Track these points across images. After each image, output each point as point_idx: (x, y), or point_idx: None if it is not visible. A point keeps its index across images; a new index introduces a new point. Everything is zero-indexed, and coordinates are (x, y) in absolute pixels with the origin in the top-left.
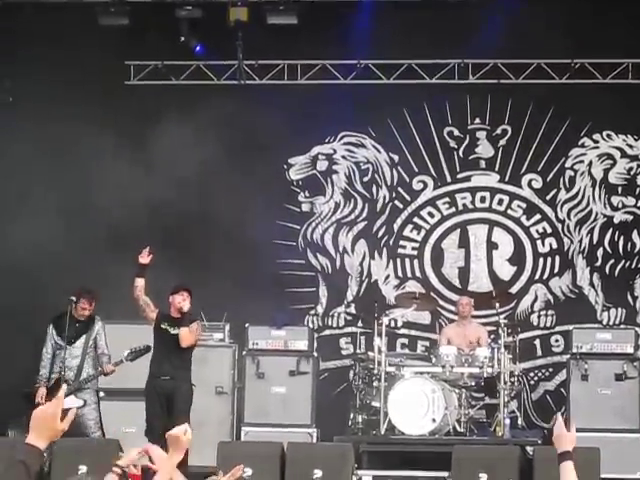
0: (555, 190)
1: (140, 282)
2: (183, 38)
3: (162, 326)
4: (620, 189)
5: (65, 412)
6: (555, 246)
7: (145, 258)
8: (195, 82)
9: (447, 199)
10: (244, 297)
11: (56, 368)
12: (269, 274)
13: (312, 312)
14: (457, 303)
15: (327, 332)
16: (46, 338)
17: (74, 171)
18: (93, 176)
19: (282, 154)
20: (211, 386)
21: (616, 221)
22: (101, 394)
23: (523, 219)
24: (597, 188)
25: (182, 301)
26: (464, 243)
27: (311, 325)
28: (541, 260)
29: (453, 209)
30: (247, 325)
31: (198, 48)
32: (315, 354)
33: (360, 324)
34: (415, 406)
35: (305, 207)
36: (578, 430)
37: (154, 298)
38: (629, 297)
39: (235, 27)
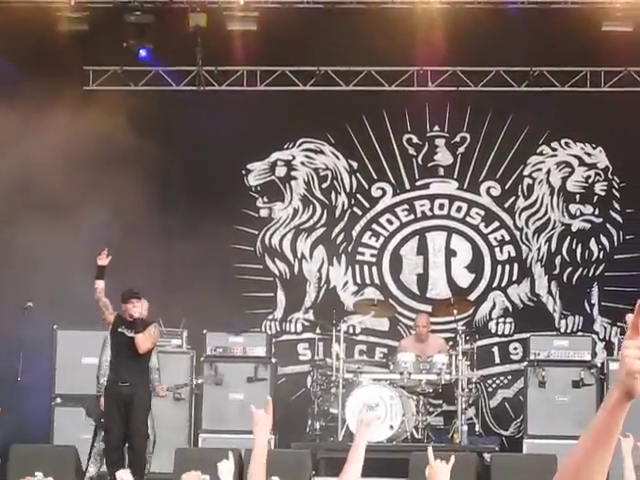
0: (513, 198)
1: (100, 284)
2: (125, 44)
3: (119, 329)
4: (578, 197)
5: None
6: (513, 254)
7: (103, 260)
8: (154, 88)
9: (406, 206)
10: (202, 303)
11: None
12: (227, 279)
13: (270, 317)
14: (415, 321)
15: (285, 338)
16: (106, 345)
17: None
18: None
19: (241, 160)
20: (169, 393)
21: (574, 229)
22: (58, 400)
23: (482, 226)
24: (555, 196)
25: (132, 308)
26: (422, 250)
27: (269, 331)
28: (499, 268)
29: (412, 216)
30: (205, 331)
31: (143, 53)
32: (273, 360)
33: (318, 330)
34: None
35: (263, 213)
36: (535, 437)
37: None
38: (586, 305)
39: (194, 33)
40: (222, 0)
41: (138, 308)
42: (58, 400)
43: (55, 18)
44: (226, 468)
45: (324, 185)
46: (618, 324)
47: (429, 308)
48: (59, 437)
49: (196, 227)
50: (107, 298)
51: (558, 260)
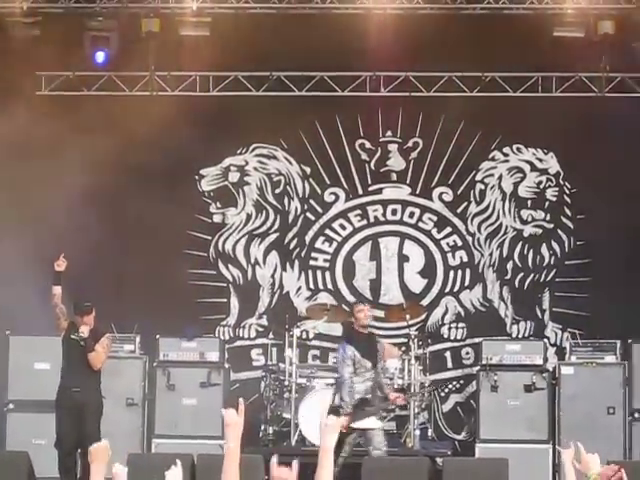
0: (466, 203)
1: (57, 290)
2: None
3: (72, 336)
4: (530, 202)
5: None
6: (466, 259)
7: (61, 266)
8: (107, 93)
9: (359, 211)
10: (155, 308)
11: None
12: (180, 285)
13: (223, 323)
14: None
15: (238, 343)
16: (345, 360)
17: None
18: (2, 186)
19: (193, 165)
20: (122, 398)
21: (526, 234)
22: (10, 406)
23: (434, 232)
24: (507, 201)
25: (83, 324)
26: (375, 255)
27: (222, 336)
28: (452, 273)
29: (365, 221)
30: (158, 336)
31: (101, 57)
32: (226, 365)
33: (271, 335)
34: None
35: (217, 218)
36: (487, 441)
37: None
38: (538, 310)
39: (147, 38)
40: (175, 6)
41: (87, 326)
42: (11, 406)
43: (7, 23)
44: (174, 476)
45: (277, 190)
46: (569, 329)
47: (382, 313)
48: (12, 443)
49: (149, 232)
50: (63, 304)
51: (510, 265)
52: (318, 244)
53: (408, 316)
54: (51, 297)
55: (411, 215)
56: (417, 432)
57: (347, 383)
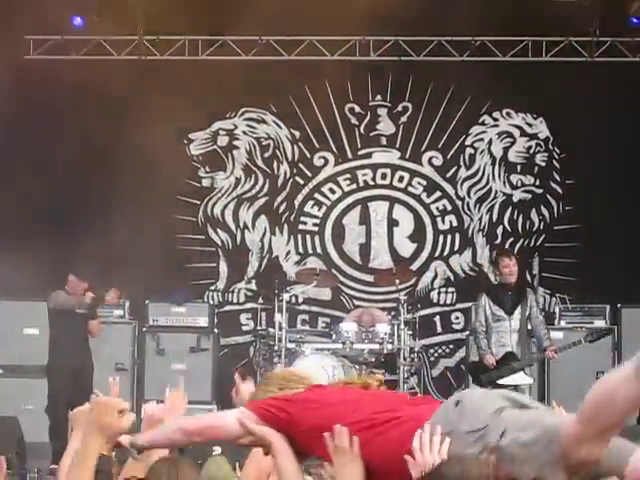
0: (455, 168)
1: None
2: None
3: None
4: (519, 167)
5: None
6: (455, 224)
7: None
8: (95, 57)
9: (348, 175)
10: (144, 273)
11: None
12: (169, 249)
13: (212, 288)
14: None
15: (227, 308)
16: (478, 309)
17: None
18: None
19: (182, 129)
20: (111, 363)
21: (515, 200)
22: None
23: (423, 196)
24: (497, 166)
25: (86, 290)
26: (365, 220)
27: (211, 301)
28: (441, 237)
29: (354, 185)
30: (147, 302)
31: (78, 21)
32: (216, 331)
33: (261, 300)
34: (315, 382)
35: (205, 182)
36: None
37: (51, 273)
38: (527, 275)
39: (136, 2)
40: None
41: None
42: (0, 371)
43: None
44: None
45: (266, 154)
46: (557, 295)
47: (371, 278)
48: (1, 408)
49: (138, 197)
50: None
51: (500, 230)
52: (307, 208)
53: (397, 281)
54: None
55: (401, 179)
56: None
57: (480, 332)
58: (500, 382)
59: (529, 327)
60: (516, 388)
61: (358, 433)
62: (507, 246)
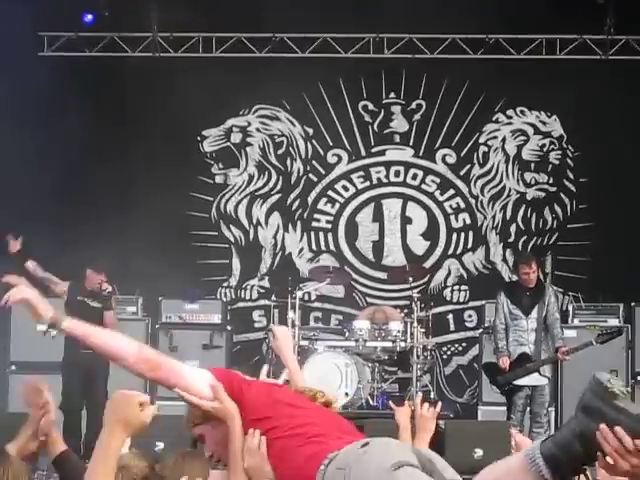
0: (469, 166)
1: (29, 265)
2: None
3: (78, 298)
4: (533, 166)
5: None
6: (468, 221)
7: (14, 247)
8: (109, 54)
9: (361, 173)
10: (157, 270)
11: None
12: (182, 246)
13: (225, 284)
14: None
15: (240, 305)
16: (497, 307)
17: None
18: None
19: (196, 126)
20: None
21: (529, 198)
22: (12, 367)
23: (437, 194)
24: (510, 164)
25: (103, 282)
26: (378, 217)
27: (224, 298)
28: (454, 235)
29: (367, 183)
30: (160, 298)
31: (89, 17)
32: (228, 328)
33: (274, 297)
34: (328, 380)
35: (219, 179)
36: (489, 404)
37: (64, 269)
38: (540, 273)
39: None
40: None
41: (106, 283)
42: (13, 367)
43: None
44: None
45: (279, 151)
46: (570, 293)
47: (384, 275)
48: (14, 405)
49: (151, 194)
50: (47, 272)
51: (513, 228)
52: (320, 205)
53: (411, 278)
54: (31, 275)
55: (414, 177)
56: (419, 395)
57: (499, 331)
58: (516, 383)
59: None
60: (534, 388)
61: (281, 439)
62: (520, 244)
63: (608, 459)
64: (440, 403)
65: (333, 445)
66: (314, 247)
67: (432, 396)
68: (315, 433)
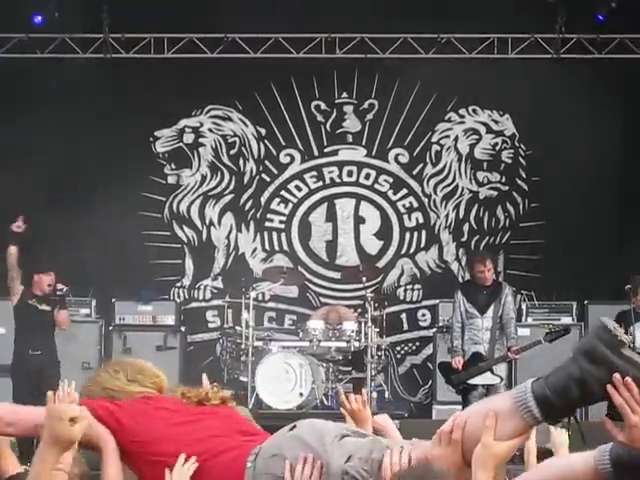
0: (422, 165)
1: (13, 250)
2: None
3: (30, 302)
4: (485, 164)
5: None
6: (421, 221)
7: (21, 227)
8: (61, 55)
9: (314, 173)
10: (110, 271)
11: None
12: (135, 246)
13: (178, 284)
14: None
15: (194, 305)
16: (454, 306)
17: None
18: None
19: (148, 127)
20: (77, 362)
21: (481, 197)
22: None
23: (390, 193)
24: (463, 163)
25: (51, 282)
26: (331, 217)
27: (177, 298)
28: (407, 235)
29: (320, 183)
30: (113, 300)
31: (39, 19)
32: (182, 329)
33: (227, 297)
34: (282, 380)
35: (171, 179)
36: (444, 403)
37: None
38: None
39: (102, 0)
40: None
41: (57, 282)
42: None
43: None
44: None
45: (232, 152)
46: (523, 291)
47: (338, 275)
48: None
49: (103, 194)
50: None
51: (466, 227)
52: (274, 205)
53: (364, 278)
54: (6, 257)
55: (367, 177)
56: (374, 394)
57: (455, 330)
58: (470, 382)
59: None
60: (489, 388)
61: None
62: (473, 243)
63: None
64: (364, 390)
65: (245, 447)
66: (267, 247)
67: (386, 395)
68: (224, 448)
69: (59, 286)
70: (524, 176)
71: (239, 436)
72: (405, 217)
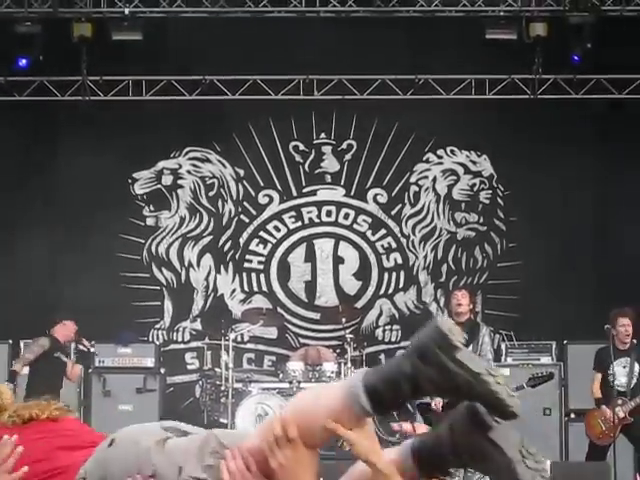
0: (400, 205)
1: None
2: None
3: (55, 355)
4: (463, 205)
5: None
6: (400, 261)
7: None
8: (38, 98)
9: (293, 213)
10: (89, 312)
11: None
12: (114, 288)
13: (157, 326)
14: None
15: (172, 347)
16: None
17: None
18: None
19: (127, 169)
20: None
21: (459, 237)
22: None
23: (369, 234)
24: (441, 204)
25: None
26: (310, 257)
27: (156, 340)
28: (386, 275)
29: (299, 223)
30: (93, 342)
31: (23, 62)
32: (162, 371)
33: (207, 339)
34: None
35: (150, 221)
36: None
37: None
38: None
39: (79, 43)
40: (107, 10)
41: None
42: None
43: None
44: None
45: (211, 193)
46: (500, 332)
47: (317, 316)
48: None
49: (82, 236)
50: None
51: (444, 268)
52: (252, 246)
53: (343, 319)
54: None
55: (346, 217)
56: None
57: None
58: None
59: None
60: None
61: None
62: (451, 284)
63: None
64: None
65: (72, 467)
66: (246, 288)
67: None
68: (47, 469)
69: (85, 342)
70: (502, 216)
71: (63, 452)
72: (384, 257)
